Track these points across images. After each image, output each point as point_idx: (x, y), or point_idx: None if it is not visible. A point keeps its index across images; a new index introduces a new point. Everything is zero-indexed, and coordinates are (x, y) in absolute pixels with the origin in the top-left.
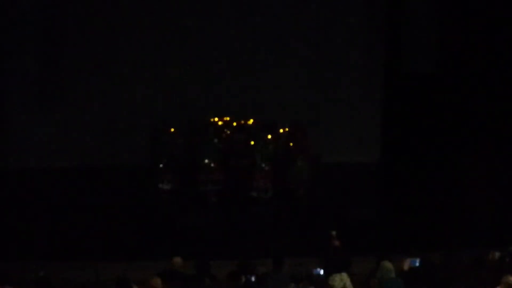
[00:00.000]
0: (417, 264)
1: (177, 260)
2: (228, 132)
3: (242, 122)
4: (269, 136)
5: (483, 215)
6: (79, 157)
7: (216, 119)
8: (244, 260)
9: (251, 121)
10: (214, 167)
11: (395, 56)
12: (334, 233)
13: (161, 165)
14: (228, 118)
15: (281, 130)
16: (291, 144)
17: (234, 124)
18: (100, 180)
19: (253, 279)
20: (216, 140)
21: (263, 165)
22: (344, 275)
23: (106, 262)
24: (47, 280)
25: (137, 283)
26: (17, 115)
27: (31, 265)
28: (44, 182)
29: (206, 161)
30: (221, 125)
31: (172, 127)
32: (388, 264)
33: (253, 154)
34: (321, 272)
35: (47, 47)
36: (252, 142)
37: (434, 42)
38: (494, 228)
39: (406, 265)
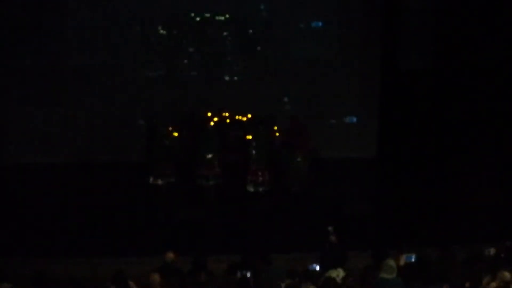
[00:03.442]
0: (413, 259)
1: (170, 254)
2: (226, 126)
3: (239, 117)
4: (267, 131)
5: (479, 210)
6: (75, 152)
7: (210, 114)
8: (243, 255)
9: (249, 116)
10: (212, 162)
11: (391, 52)
12: (331, 228)
13: (159, 161)
14: (227, 114)
15: (277, 126)
16: (290, 139)
17: (231, 119)
18: (97, 175)
19: (248, 274)
20: (213, 135)
21: (260, 160)
22: (341, 271)
23: (102, 257)
24: (44, 276)
25: (133, 279)
26: (13, 110)
27: (27, 261)
28: (40, 177)
29: (204, 156)
30: (219, 120)
31: (170, 122)
32: (392, 263)
33: (250, 149)
34: (317, 267)
35: (45, 42)
36: (250, 137)
37: (431, 38)
38: (489, 223)
39: (402, 261)
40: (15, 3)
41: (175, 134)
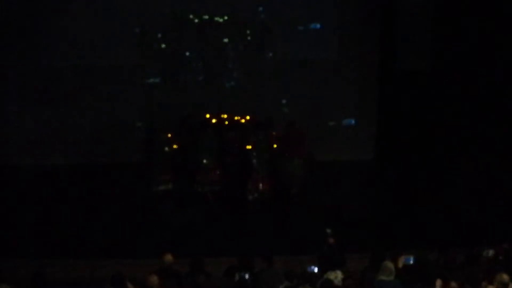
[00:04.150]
0: (411, 261)
1: (168, 256)
2: (223, 130)
3: (237, 118)
4: (264, 134)
5: (477, 213)
6: (75, 154)
7: (208, 115)
8: (241, 257)
9: (247, 118)
10: (210, 167)
11: (390, 54)
12: (329, 230)
13: (159, 167)
14: (225, 115)
15: (275, 130)
16: (287, 144)
17: (230, 121)
18: (95, 178)
19: (247, 276)
20: (212, 139)
21: (259, 165)
22: (339, 273)
23: (101, 259)
24: (42, 278)
25: (132, 281)
26: (11, 111)
27: (26, 262)
28: (38, 179)
29: (203, 160)
30: (216, 122)
31: (168, 124)
32: (390, 265)
33: (249, 153)
34: (315, 269)
35: (44, 44)
36: (249, 147)
37: (429, 40)
38: (488, 226)
39: (400, 263)
40: (15, 4)
41: (174, 137)
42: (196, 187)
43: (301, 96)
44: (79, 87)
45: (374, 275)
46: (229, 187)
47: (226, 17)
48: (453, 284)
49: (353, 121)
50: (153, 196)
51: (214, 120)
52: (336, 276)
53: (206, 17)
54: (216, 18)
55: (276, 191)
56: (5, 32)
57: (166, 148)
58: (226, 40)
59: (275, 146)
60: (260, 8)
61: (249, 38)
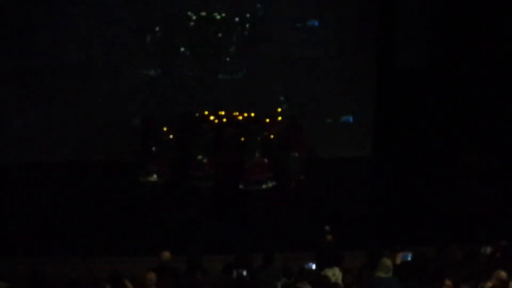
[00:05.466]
0: (409, 258)
1: (166, 254)
2: (220, 126)
3: (235, 114)
4: (262, 130)
5: (475, 210)
6: (70, 152)
7: (206, 112)
8: (238, 254)
9: (245, 115)
10: (206, 162)
11: (387, 52)
12: (328, 227)
13: (151, 159)
14: (223, 112)
15: (273, 125)
16: (285, 138)
17: (227, 118)
18: (91, 175)
19: (244, 273)
20: (208, 135)
21: (257, 158)
22: (337, 270)
23: (98, 257)
24: (39, 276)
25: (130, 279)
26: (8, 110)
27: (23, 261)
28: (35, 177)
29: (198, 156)
30: (213, 119)
31: (164, 121)
32: (388, 262)
33: (245, 149)
34: (313, 266)
35: (38, 40)
36: (243, 138)
37: (426, 37)
38: (485, 223)
39: (398, 259)
40: (11, 3)
41: (170, 133)
42: (192, 182)
43: (299, 93)
44: (75, 84)
45: (372, 272)
46: (226, 183)
47: (223, 14)
48: (451, 281)
49: (351, 118)
50: (150, 193)
51: (212, 117)
52: (334, 273)
53: (204, 13)
54: (214, 15)
55: (274, 188)
56: (3, 31)
57: (163, 144)
58: (223, 36)
59: (272, 139)
60: (258, 5)
61: (246, 35)
